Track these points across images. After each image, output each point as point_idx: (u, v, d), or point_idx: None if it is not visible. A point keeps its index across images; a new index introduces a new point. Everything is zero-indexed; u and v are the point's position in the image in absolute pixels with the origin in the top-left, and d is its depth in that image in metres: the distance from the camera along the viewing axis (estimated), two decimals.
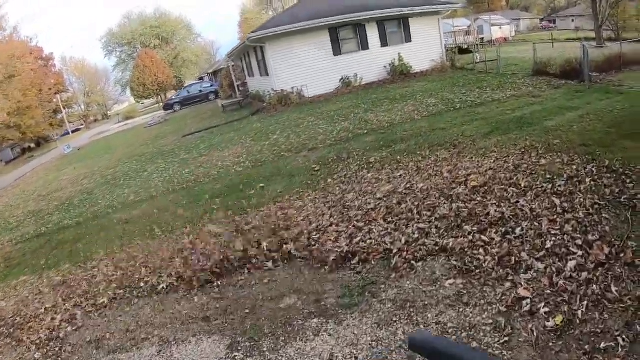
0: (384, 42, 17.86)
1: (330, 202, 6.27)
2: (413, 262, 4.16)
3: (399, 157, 7.63)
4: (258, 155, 10.28)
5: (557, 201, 4.54)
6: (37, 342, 4.37)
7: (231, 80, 27.37)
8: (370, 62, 17.57)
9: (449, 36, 29.02)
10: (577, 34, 38.74)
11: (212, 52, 73.10)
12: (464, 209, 4.83)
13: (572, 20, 52.37)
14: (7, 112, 28.91)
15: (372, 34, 17.66)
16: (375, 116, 11.23)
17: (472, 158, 6.74)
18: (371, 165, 7.53)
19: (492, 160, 6.35)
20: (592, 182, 4.86)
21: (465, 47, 26.68)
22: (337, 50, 17.27)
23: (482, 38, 35.56)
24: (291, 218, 5.82)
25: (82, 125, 58.37)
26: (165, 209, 7.99)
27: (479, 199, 5.05)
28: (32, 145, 40.95)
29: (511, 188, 5.13)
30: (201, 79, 43.84)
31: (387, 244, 4.56)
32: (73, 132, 50.99)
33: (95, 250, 6.78)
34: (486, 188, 5.29)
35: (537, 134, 7.53)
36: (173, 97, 37.30)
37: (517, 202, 4.74)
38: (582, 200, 4.48)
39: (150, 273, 5.24)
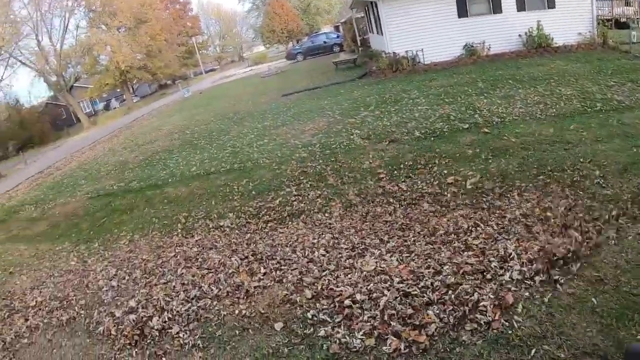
0: (521, 6, 14.30)
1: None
2: None
3: (486, 187, 5.59)
4: (332, 139, 8.80)
5: None
6: None
7: (354, 33, 25.61)
8: (502, 29, 14.33)
9: (605, 4, 22.70)
10: None
11: None
12: None
13: None
14: (137, 55, 31.29)
15: None
16: (488, 103, 8.84)
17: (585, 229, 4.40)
18: (440, 200, 5.61)
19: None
20: None
21: (623, 20, 20.67)
22: (462, 11, 14.38)
23: None
24: None
25: (217, 66, 62.35)
26: (211, 192, 7.31)
27: None
28: (169, 82, 44.86)
29: None
30: (337, 27, 42.44)
31: None
32: (207, 72, 54.74)
33: (123, 234, 6.45)
34: None
35: None
36: (297, 47, 36.69)
37: None
38: None
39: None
